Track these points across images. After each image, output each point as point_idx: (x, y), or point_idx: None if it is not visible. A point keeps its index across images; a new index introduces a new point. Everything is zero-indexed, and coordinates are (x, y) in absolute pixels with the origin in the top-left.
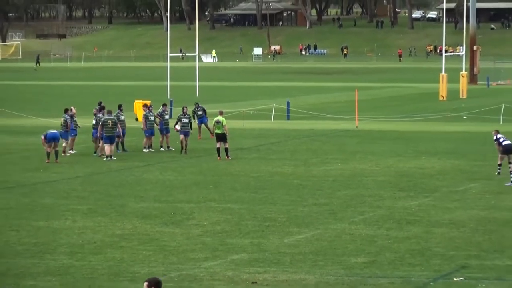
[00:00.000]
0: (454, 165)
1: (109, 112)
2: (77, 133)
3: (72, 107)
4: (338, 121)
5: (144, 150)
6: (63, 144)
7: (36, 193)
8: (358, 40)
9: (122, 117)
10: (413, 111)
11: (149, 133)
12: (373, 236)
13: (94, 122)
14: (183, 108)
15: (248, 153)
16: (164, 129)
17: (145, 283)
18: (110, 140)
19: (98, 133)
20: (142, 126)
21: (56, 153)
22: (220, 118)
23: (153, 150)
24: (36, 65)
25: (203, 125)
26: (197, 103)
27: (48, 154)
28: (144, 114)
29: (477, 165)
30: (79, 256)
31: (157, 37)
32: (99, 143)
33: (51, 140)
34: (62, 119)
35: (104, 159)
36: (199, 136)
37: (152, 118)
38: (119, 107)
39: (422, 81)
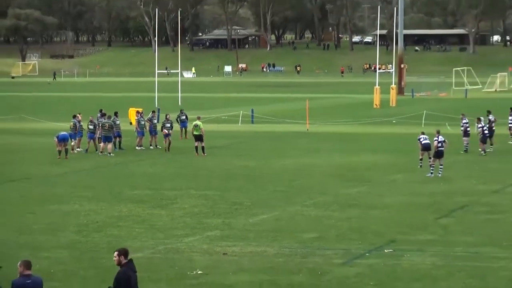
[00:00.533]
0: (386, 160)
1: (109, 117)
2: (82, 134)
3: (78, 114)
4: (293, 124)
5: (137, 148)
6: (72, 143)
7: (49, 183)
8: (309, 60)
9: (118, 122)
10: (352, 116)
11: (141, 134)
12: (321, 216)
13: (91, 126)
14: (166, 116)
15: (220, 151)
16: (153, 131)
17: (116, 252)
18: (107, 139)
19: (96, 135)
20: (135, 129)
21: (66, 151)
22: (198, 122)
23: (144, 148)
24: (53, 79)
25: (184, 128)
26: (182, 110)
27: (59, 151)
28: (136, 119)
29: (404, 159)
30: (84, 233)
31: (147, 57)
32: (99, 142)
33: (62, 140)
34: (72, 123)
35: (100, 154)
36: (181, 137)
37: (143, 122)
38: (115, 114)
39: (360, 93)
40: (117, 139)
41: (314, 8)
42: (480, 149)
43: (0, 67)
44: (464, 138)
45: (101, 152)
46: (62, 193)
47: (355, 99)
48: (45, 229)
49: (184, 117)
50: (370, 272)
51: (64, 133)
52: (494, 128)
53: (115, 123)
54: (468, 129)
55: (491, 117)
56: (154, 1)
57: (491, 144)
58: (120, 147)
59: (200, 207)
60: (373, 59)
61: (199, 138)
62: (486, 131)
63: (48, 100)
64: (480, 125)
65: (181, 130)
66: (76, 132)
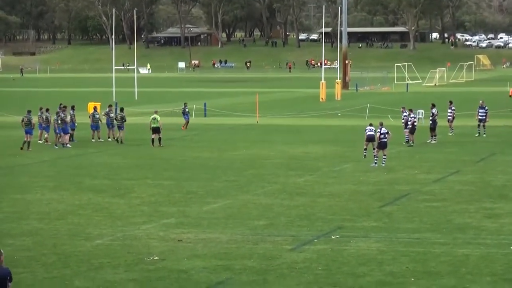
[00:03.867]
0: (332, 151)
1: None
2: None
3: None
4: (243, 117)
5: (93, 140)
6: (45, 136)
7: (13, 173)
8: (258, 56)
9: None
10: (300, 110)
11: (94, 127)
12: (271, 204)
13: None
14: (121, 109)
15: (175, 142)
16: (110, 124)
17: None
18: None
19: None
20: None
21: (28, 143)
22: (156, 115)
23: (102, 140)
24: (21, 75)
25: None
26: (186, 103)
27: (24, 142)
28: (91, 113)
29: (349, 150)
30: (46, 221)
31: (105, 54)
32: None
33: (27, 133)
34: (40, 116)
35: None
36: (184, 127)
37: (97, 116)
38: (72, 107)
39: (307, 87)
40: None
41: (262, 7)
42: (409, 140)
43: None
44: (406, 130)
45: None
46: (25, 183)
47: (302, 93)
48: (9, 218)
49: (187, 110)
50: (318, 257)
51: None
52: (437, 120)
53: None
54: (409, 121)
55: (434, 110)
56: (111, 1)
57: (435, 135)
58: (72, 139)
59: (156, 196)
60: (318, 56)
61: (156, 130)
62: (415, 123)
63: (12, 95)
64: (412, 116)
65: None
66: (48, 124)
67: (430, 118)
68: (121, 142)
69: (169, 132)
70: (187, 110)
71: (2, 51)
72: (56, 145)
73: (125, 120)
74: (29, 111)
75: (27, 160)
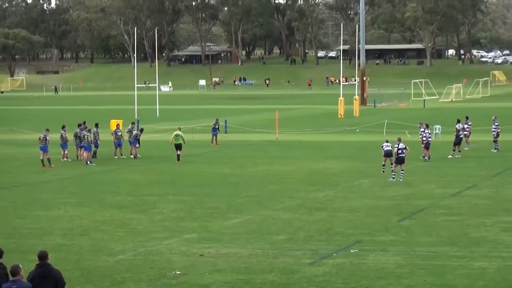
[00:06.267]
0: (351, 166)
1: (85, 129)
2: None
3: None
4: (263, 134)
5: (115, 157)
6: (66, 152)
7: (36, 190)
8: (277, 73)
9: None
10: (319, 126)
11: (117, 144)
12: (290, 219)
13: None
14: (141, 130)
15: (196, 158)
16: (134, 141)
17: None
18: (86, 148)
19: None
20: (113, 139)
21: (49, 160)
22: (179, 132)
23: (125, 157)
24: (55, 93)
25: (215, 135)
26: (217, 119)
27: (42, 161)
28: (113, 130)
29: (367, 165)
30: (69, 237)
31: (127, 72)
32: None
33: (42, 150)
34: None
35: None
36: (215, 143)
37: (120, 133)
38: (96, 125)
39: (325, 104)
40: (97, 148)
41: (281, 26)
42: (425, 155)
43: None
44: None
45: (82, 159)
46: (48, 199)
47: (321, 109)
48: (32, 234)
49: (217, 126)
50: (337, 271)
51: (42, 145)
52: (461, 136)
53: (97, 133)
54: (424, 137)
55: (459, 125)
56: (133, 21)
57: (459, 151)
58: (95, 156)
59: (178, 211)
60: (337, 73)
61: (178, 147)
62: (430, 138)
63: (36, 113)
64: (427, 131)
65: (213, 137)
66: (66, 141)
67: (455, 133)
68: (135, 157)
69: (192, 149)
70: (217, 126)
71: (26, 69)
72: (86, 161)
73: (138, 138)
74: (47, 130)
75: (49, 176)
